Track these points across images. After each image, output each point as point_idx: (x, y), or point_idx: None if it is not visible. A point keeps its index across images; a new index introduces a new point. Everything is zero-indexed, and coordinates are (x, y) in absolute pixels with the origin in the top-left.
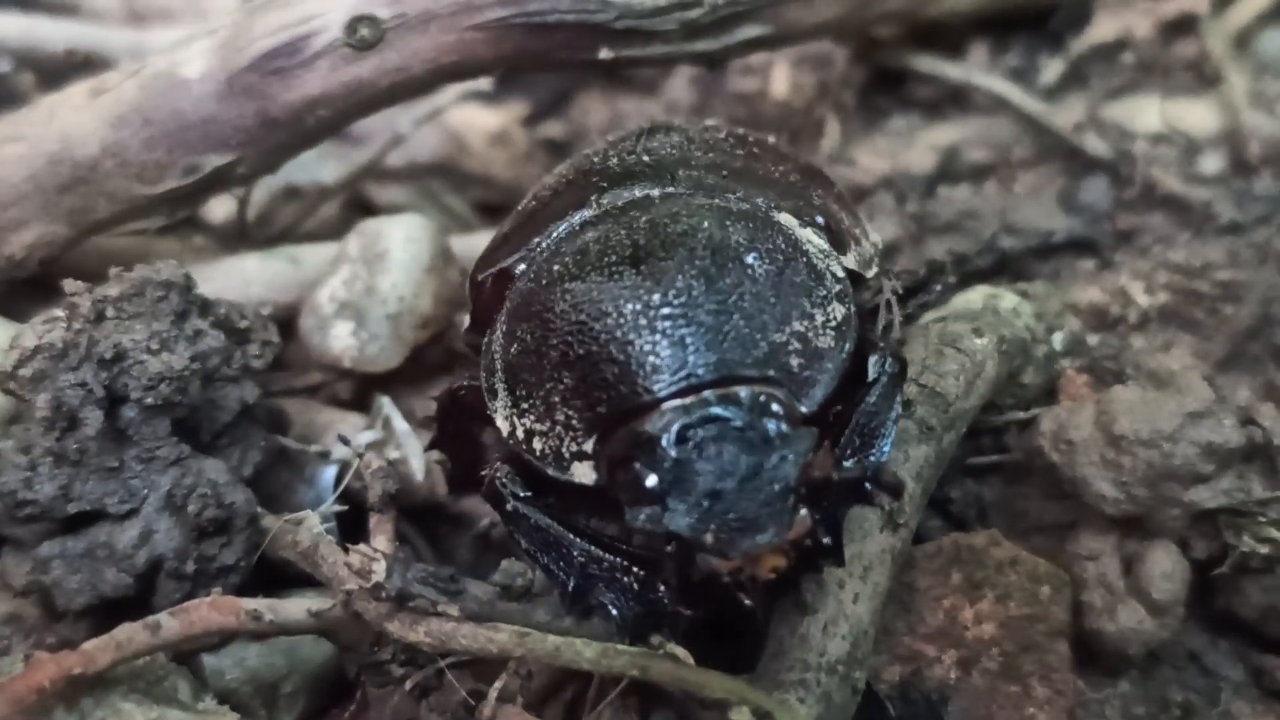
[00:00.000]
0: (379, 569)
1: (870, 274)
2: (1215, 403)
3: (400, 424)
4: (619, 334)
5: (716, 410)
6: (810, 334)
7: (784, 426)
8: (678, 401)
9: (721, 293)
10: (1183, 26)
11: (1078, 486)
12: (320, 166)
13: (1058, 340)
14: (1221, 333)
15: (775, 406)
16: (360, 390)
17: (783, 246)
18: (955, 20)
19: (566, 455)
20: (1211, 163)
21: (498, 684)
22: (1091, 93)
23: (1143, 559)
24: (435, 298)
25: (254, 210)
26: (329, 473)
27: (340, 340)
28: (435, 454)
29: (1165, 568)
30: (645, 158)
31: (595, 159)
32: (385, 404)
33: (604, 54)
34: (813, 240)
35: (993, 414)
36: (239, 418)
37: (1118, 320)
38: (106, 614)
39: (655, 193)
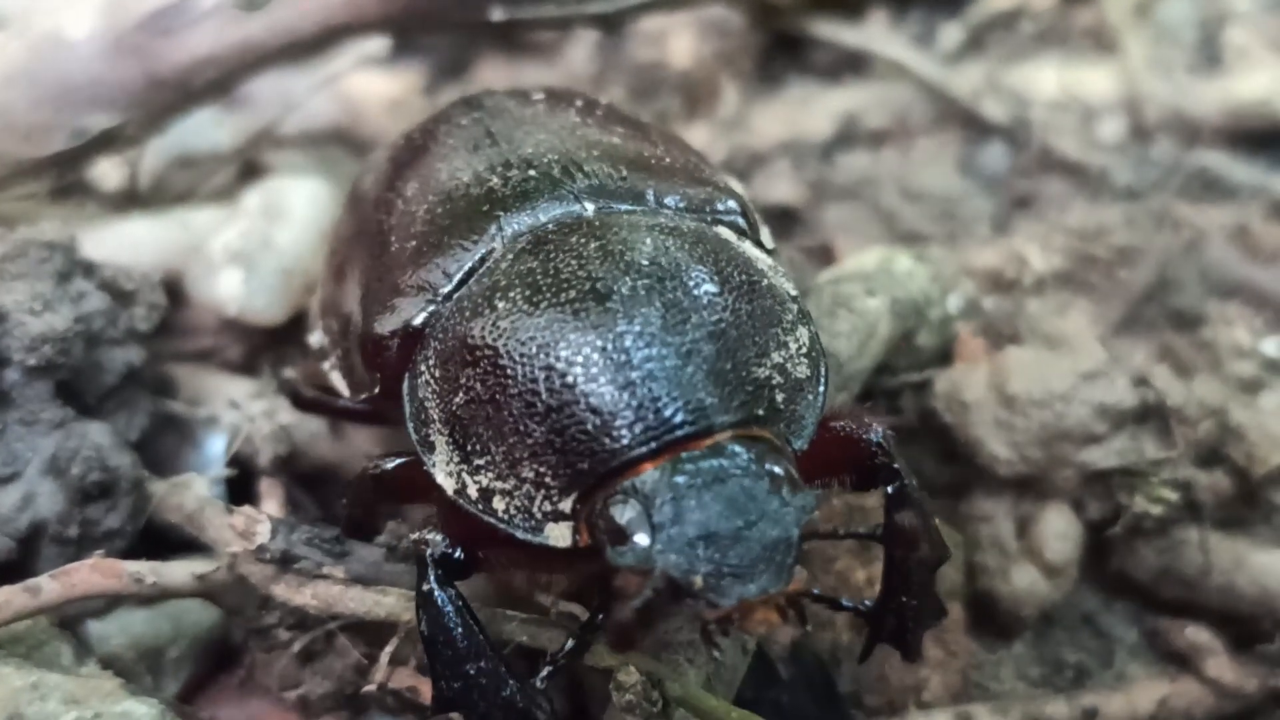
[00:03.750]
0: (263, 530)
1: (771, 247)
2: (1109, 364)
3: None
4: (597, 380)
5: (715, 458)
6: (789, 365)
7: (783, 470)
8: (671, 454)
9: (701, 329)
10: None
11: (971, 448)
12: (214, 132)
13: (953, 303)
14: (1117, 296)
15: (771, 449)
16: (249, 355)
17: (742, 271)
18: None
19: (539, 515)
20: (1109, 129)
21: (389, 647)
22: (990, 59)
23: (1036, 520)
24: None
25: (147, 176)
26: (218, 438)
27: (228, 288)
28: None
29: (1059, 529)
30: (529, 169)
31: (458, 174)
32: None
33: (496, 14)
34: (759, 256)
35: (887, 376)
36: (124, 381)
37: (1013, 283)
38: None
39: (577, 210)
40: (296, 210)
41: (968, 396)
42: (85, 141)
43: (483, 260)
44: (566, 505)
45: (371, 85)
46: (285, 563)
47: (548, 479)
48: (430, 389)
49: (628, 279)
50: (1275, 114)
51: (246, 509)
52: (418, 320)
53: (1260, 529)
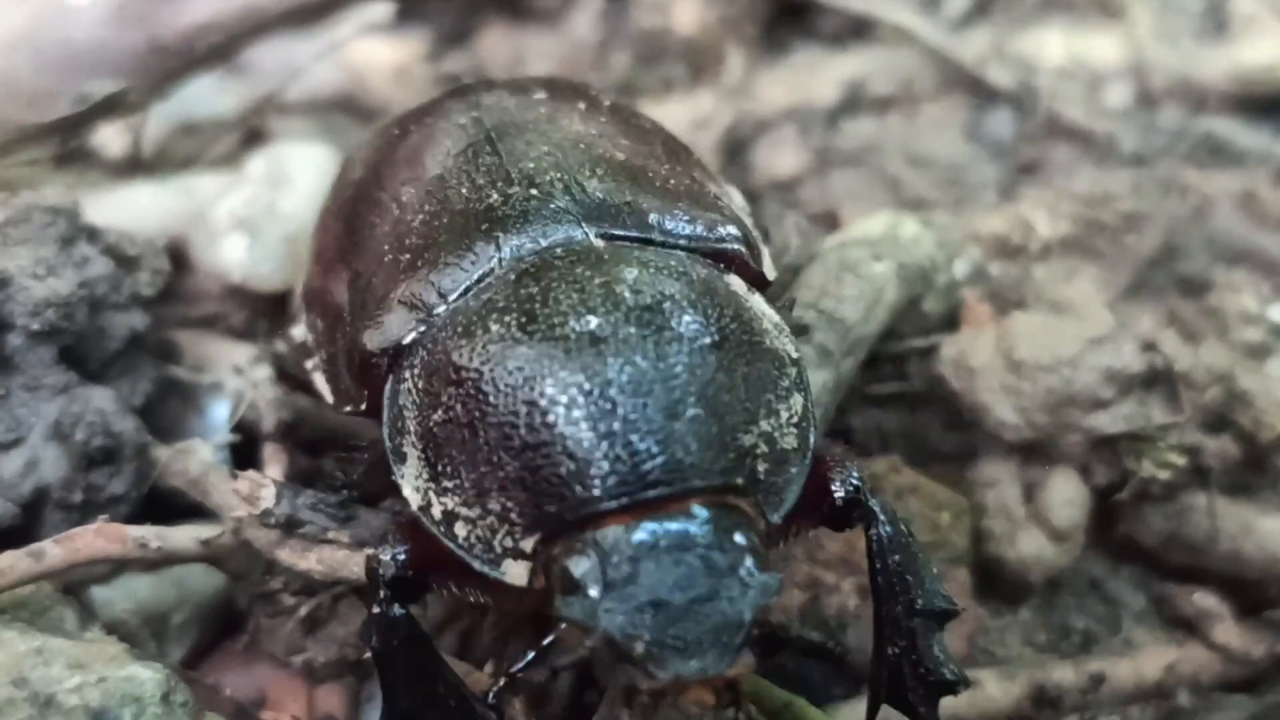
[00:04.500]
0: (267, 495)
1: (773, 276)
2: (1116, 329)
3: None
4: (579, 425)
5: (682, 523)
6: (777, 434)
7: (750, 545)
8: (640, 511)
9: (693, 387)
10: None
11: (978, 413)
12: (218, 99)
13: (959, 268)
14: (1124, 263)
15: (742, 521)
16: (253, 321)
17: (745, 329)
18: None
19: (498, 550)
20: (1116, 95)
21: None
22: (996, 25)
23: (1043, 486)
24: None
25: (150, 143)
26: (222, 404)
27: (233, 254)
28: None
29: (1066, 494)
30: (531, 187)
31: (456, 184)
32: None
33: None
34: (766, 314)
35: (894, 342)
36: (128, 346)
37: (1020, 249)
38: None
39: (580, 236)
40: (301, 177)
41: (974, 362)
42: (88, 107)
43: (480, 280)
44: (528, 545)
45: (375, 52)
46: (290, 527)
47: (513, 515)
48: (410, 398)
49: (626, 325)
50: None
51: (251, 473)
52: (408, 339)
53: (1267, 495)
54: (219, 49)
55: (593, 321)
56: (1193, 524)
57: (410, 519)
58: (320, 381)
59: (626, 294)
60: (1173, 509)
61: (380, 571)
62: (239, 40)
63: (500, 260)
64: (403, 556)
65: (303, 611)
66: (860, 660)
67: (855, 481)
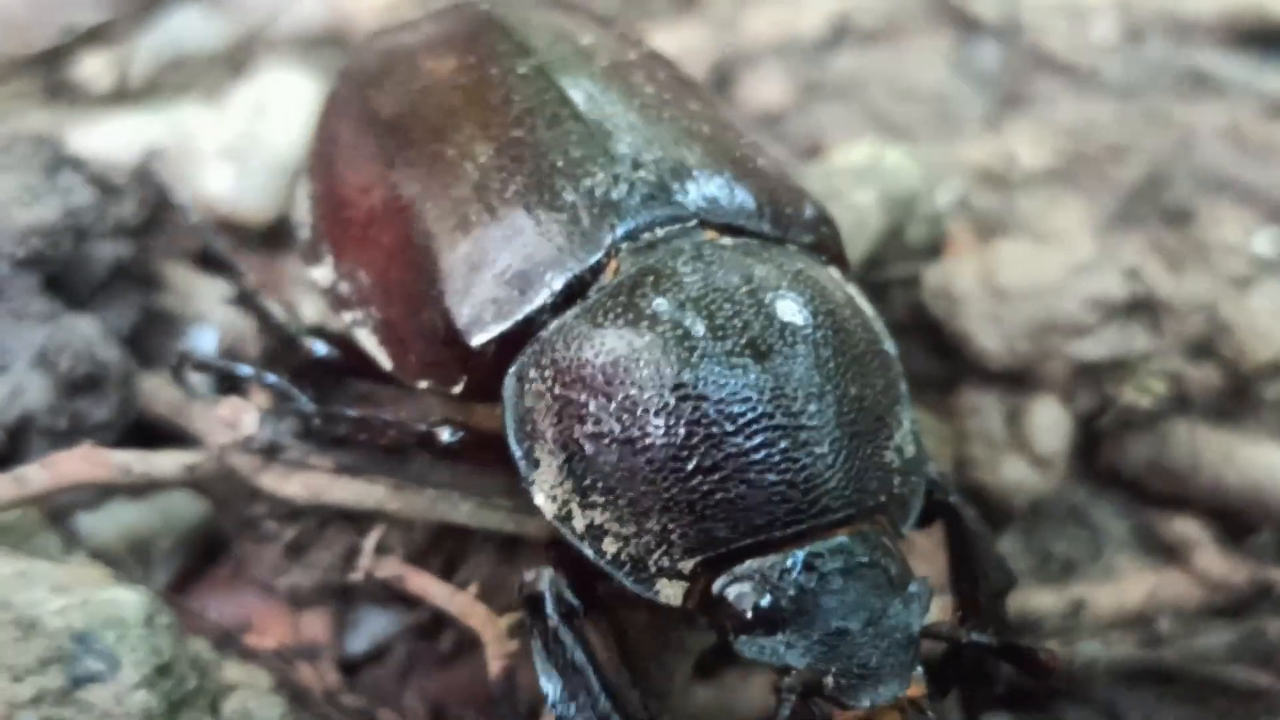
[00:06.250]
0: (249, 421)
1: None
2: (1099, 256)
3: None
4: (752, 451)
5: (845, 546)
6: (904, 445)
7: (898, 560)
8: (810, 539)
9: (850, 408)
10: None
11: (960, 341)
12: (204, 31)
13: (943, 198)
14: (1108, 193)
15: (886, 535)
16: (240, 251)
17: (874, 338)
18: None
19: (653, 569)
20: (1101, 27)
21: (374, 535)
22: None
23: (1025, 412)
24: None
25: (137, 76)
26: (208, 333)
27: (219, 183)
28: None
29: (1048, 421)
30: (637, 170)
31: (544, 151)
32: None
33: None
34: (870, 310)
35: (877, 270)
36: (113, 275)
37: (1004, 180)
38: None
39: (696, 229)
40: (287, 108)
41: (957, 290)
42: (74, 38)
43: (595, 271)
44: (687, 566)
45: None
46: (272, 453)
47: (674, 536)
48: (543, 402)
49: (786, 344)
50: (1267, 12)
51: (233, 399)
52: (517, 327)
53: (1249, 423)
54: None
55: (754, 339)
56: (1175, 452)
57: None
58: (371, 345)
59: (778, 308)
60: (1155, 437)
61: (549, 589)
62: None
63: (618, 251)
64: (549, 577)
65: (287, 537)
66: None
67: (935, 478)
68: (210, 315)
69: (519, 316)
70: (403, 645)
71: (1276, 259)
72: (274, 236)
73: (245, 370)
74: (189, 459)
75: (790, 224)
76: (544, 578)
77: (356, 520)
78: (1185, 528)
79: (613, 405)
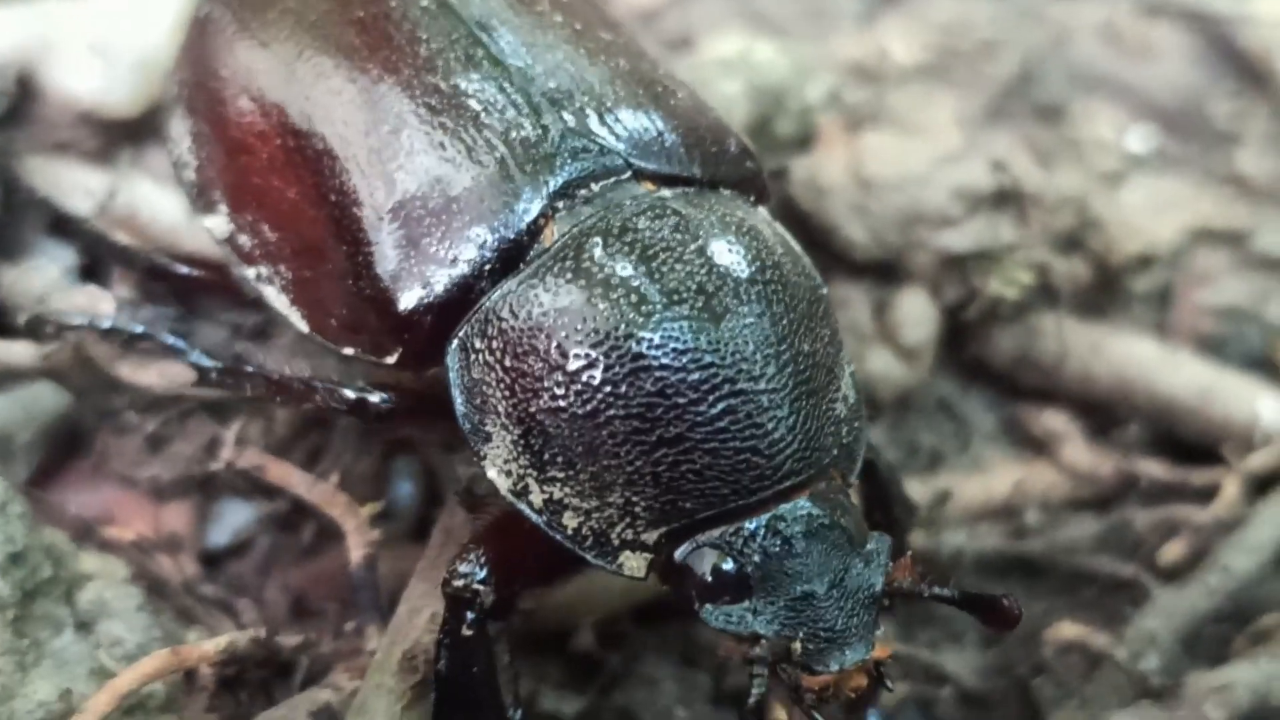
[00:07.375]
0: (107, 308)
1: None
2: (966, 148)
3: (144, 179)
4: (716, 418)
5: (805, 509)
6: (847, 392)
7: (854, 515)
8: (774, 504)
9: (804, 365)
10: None
11: (828, 234)
12: None
13: (813, 93)
14: (980, 90)
15: (841, 490)
16: (106, 147)
17: (812, 282)
18: None
19: (616, 542)
20: None
21: (235, 426)
22: None
23: (892, 304)
24: None
25: None
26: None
27: (85, 80)
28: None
29: (915, 313)
30: (560, 113)
31: (459, 97)
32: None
33: None
34: (796, 248)
35: None
36: None
37: (877, 75)
38: None
39: (629, 179)
40: (156, 3)
41: (824, 181)
42: None
43: (532, 229)
44: (651, 538)
45: None
46: (130, 341)
47: (638, 509)
48: (494, 375)
49: (739, 303)
50: None
51: (91, 287)
52: (455, 293)
53: (1118, 317)
54: None
55: (709, 301)
56: (1042, 344)
57: (488, 522)
58: (281, 303)
59: (729, 265)
60: (1022, 329)
61: (478, 599)
62: None
63: (554, 211)
64: (484, 574)
65: (148, 429)
66: None
67: None
68: (75, 210)
69: (457, 281)
70: (265, 537)
71: (1148, 156)
72: (141, 129)
73: (137, 328)
74: (45, 348)
75: (719, 163)
76: (478, 577)
77: (218, 411)
78: (1052, 420)
79: (569, 377)
